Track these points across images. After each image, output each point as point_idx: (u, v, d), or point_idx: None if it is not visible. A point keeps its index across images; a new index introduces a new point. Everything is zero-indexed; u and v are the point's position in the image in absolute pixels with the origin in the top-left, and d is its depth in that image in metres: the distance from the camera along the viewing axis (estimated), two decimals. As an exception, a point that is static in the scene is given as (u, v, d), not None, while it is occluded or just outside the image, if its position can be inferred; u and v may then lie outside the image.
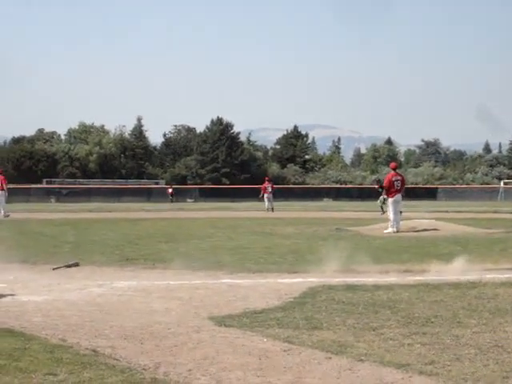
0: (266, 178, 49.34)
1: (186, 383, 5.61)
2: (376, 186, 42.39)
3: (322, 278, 11.70)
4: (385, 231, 22.84)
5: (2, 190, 33.55)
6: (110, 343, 6.95)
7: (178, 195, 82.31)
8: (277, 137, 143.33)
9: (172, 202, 75.39)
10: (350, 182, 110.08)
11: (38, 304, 9.44)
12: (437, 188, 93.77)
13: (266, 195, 46.08)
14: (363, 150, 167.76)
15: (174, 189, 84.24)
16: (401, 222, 23.38)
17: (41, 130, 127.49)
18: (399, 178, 23.90)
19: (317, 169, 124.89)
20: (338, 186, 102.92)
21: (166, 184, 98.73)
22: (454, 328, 7.66)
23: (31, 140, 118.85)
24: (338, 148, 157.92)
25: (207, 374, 5.88)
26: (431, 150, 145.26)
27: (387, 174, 26.32)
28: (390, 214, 23.16)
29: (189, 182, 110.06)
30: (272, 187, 46.48)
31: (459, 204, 60.47)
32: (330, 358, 6.42)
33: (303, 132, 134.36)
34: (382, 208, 38.80)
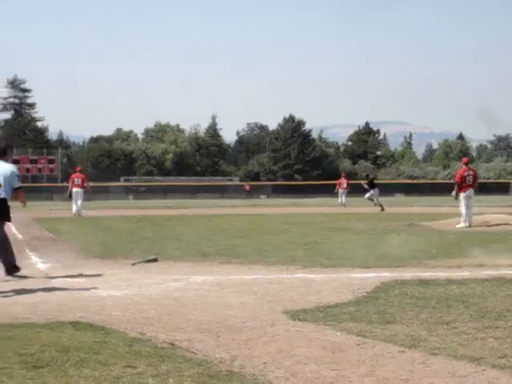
0: (343, 174, 49.24)
1: (262, 376, 5.67)
2: (363, 182, 42.17)
3: (394, 273, 11.69)
4: (457, 226, 22.64)
5: (83, 187, 34.15)
6: (187, 336, 7.08)
7: (252, 192, 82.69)
8: (348, 133, 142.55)
9: (248, 197, 75.94)
10: (422, 178, 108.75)
11: (117, 298, 9.64)
12: (509, 183, 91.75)
13: (340, 190, 46.04)
14: (435, 146, 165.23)
15: (250, 185, 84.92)
16: (473, 217, 23.14)
17: (119, 130, 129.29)
18: (471, 172, 23.64)
19: (388, 164, 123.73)
20: (410, 181, 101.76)
21: (240, 181, 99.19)
22: (528, 322, 7.62)
23: (109, 139, 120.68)
24: (409, 144, 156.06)
25: (282, 367, 5.95)
26: (503, 145, 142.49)
27: (459, 169, 26.01)
28: (462, 208, 22.92)
29: (262, 178, 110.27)
30: (347, 183, 46.35)
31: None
32: (404, 351, 6.45)
33: (375, 128, 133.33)
34: (372, 200, 39.32)
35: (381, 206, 37.97)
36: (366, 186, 40.65)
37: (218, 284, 10.89)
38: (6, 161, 12.22)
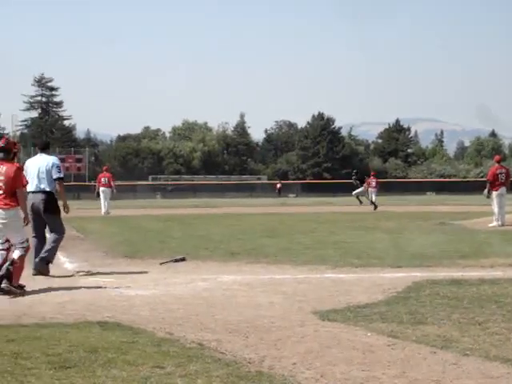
0: (372, 173, 49.22)
1: (291, 377, 5.62)
2: (353, 178, 41.97)
3: (425, 273, 11.58)
4: (489, 225, 22.43)
5: (110, 187, 34.42)
6: (215, 337, 7.04)
7: (283, 190, 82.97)
8: (378, 131, 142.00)
9: (280, 196, 76.50)
10: (454, 176, 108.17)
11: (145, 298, 9.63)
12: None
13: (369, 189, 46.00)
14: (467, 143, 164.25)
15: (281, 184, 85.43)
16: (506, 216, 22.93)
17: (146, 128, 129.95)
18: (504, 170, 23.42)
19: (419, 162, 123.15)
20: (442, 179, 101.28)
21: (268, 179, 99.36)
22: None
23: (137, 138, 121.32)
24: (440, 141, 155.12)
25: (312, 368, 5.90)
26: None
27: (491, 167, 25.78)
28: (495, 207, 22.72)
29: (290, 177, 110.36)
30: (376, 182, 46.29)
31: None
32: (435, 352, 6.36)
33: (405, 126, 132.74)
34: (358, 199, 38.62)
35: (358, 198, 38.32)
36: (355, 182, 40.82)
37: (247, 284, 10.85)
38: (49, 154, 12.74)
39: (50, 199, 12.21)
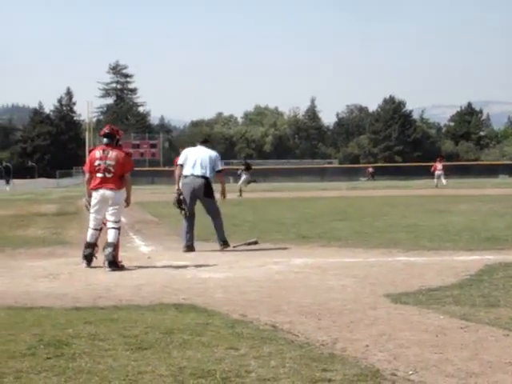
0: (438, 157, 49.15)
1: (364, 359, 5.63)
2: (241, 168, 40.63)
3: (499, 256, 11.45)
4: None
5: None
6: (288, 319, 7.09)
7: (352, 174, 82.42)
8: (450, 114, 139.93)
9: (371, 180, 76.04)
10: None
11: (218, 280, 9.74)
12: None
13: (436, 172, 46.00)
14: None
15: (374, 168, 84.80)
16: None
17: (219, 114, 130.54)
18: None
19: (492, 145, 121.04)
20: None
21: (339, 163, 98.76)
22: None
23: (210, 123, 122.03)
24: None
25: (384, 351, 5.90)
26: None
27: None
28: None
29: (361, 161, 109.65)
30: (442, 165, 46.23)
31: None
32: (508, 335, 6.32)
33: (477, 108, 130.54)
34: (240, 191, 37.83)
35: (241, 191, 37.54)
36: (240, 171, 39.98)
37: (319, 267, 10.88)
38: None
39: (209, 184, 13.86)
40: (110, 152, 11.23)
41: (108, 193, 11.15)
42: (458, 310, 7.36)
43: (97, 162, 11.21)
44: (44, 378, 5.07)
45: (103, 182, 11.15)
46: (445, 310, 7.43)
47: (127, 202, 11.55)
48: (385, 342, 6.18)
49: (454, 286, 8.90)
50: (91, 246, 11.18)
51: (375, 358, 5.67)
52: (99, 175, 11.18)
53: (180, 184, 13.87)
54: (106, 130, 11.62)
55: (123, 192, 11.43)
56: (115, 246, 11.00)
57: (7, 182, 62.27)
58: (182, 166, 13.98)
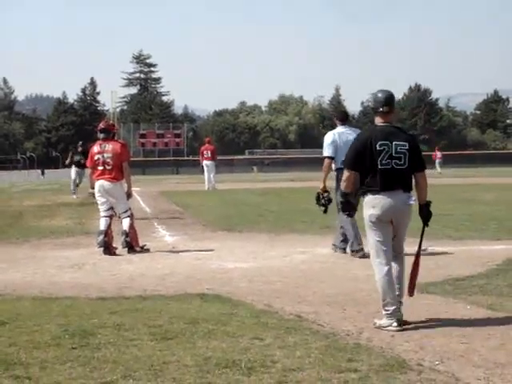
0: (437, 147, 52.48)
1: (389, 349, 5.62)
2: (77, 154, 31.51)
3: (526, 245, 11.37)
4: None
5: (213, 159, 32.41)
6: (313, 309, 7.09)
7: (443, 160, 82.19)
8: (477, 102, 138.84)
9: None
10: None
11: (243, 270, 9.74)
12: None
13: (437, 160, 49.03)
14: None
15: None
16: None
17: (243, 103, 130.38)
18: None
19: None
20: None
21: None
22: None
23: (233, 113, 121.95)
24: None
25: (410, 341, 5.88)
26: None
27: None
28: None
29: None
30: (441, 154, 49.67)
31: None
32: (536, 325, 6.28)
33: (504, 96, 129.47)
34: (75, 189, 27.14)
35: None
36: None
37: (344, 257, 10.85)
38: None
39: None
40: (107, 145, 12.07)
41: (106, 184, 11.99)
42: (484, 300, 7.32)
43: (96, 157, 12.09)
44: (69, 367, 5.09)
45: (103, 174, 12.00)
46: (471, 299, 7.39)
47: (128, 193, 12.33)
48: (411, 332, 6.17)
49: (480, 275, 8.85)
50: (102, 233, 11.74)
51: (401, 348, 5.66)
52: (100, 168, 12.05)
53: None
54: (101, 125, 12.49)
55: (122, 183, 12.23)
56: (128, 233, 11.79)
57: (42, 173, 63.32)
58: (332, 158, 11.68)
